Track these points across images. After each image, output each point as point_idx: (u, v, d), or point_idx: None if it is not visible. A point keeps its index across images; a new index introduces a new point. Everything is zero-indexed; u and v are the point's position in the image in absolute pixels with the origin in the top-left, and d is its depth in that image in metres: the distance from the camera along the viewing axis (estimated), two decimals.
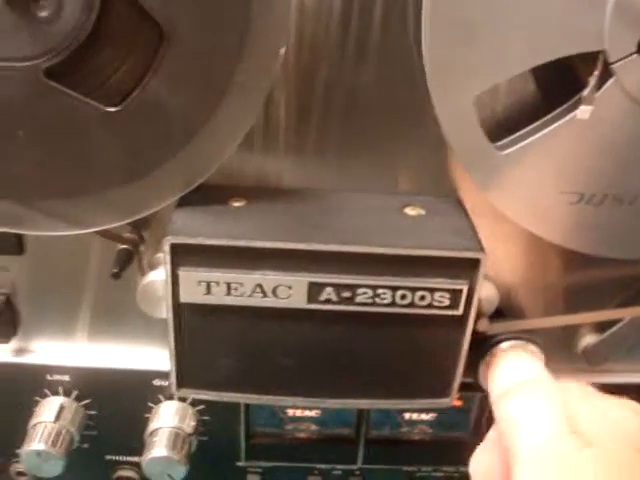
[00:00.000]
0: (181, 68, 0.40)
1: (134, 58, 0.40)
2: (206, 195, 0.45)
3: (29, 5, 0.36)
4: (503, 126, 0.46)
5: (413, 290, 0.44)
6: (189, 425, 0.55)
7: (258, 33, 0.39)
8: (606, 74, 0.41)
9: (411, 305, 0.44)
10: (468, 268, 0.43)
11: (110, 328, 0.55)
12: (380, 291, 0.43)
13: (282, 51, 0.40)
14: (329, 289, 0.43)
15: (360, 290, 0.43)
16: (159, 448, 0.53)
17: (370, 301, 0.44)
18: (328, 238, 0.43)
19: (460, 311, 0.44)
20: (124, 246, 0.49)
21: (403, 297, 0.44)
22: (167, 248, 0.42)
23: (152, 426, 0.55)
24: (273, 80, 0.41)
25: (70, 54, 0.38)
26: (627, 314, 0.53)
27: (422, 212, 0.47)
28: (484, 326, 0.48)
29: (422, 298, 0.44)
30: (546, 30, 0.39)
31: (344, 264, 0.43)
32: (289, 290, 0.43)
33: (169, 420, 0.55)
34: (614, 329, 0.54)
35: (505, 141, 0.44)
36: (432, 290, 0.44)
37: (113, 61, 0.40)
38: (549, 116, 0.43)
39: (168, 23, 0.38)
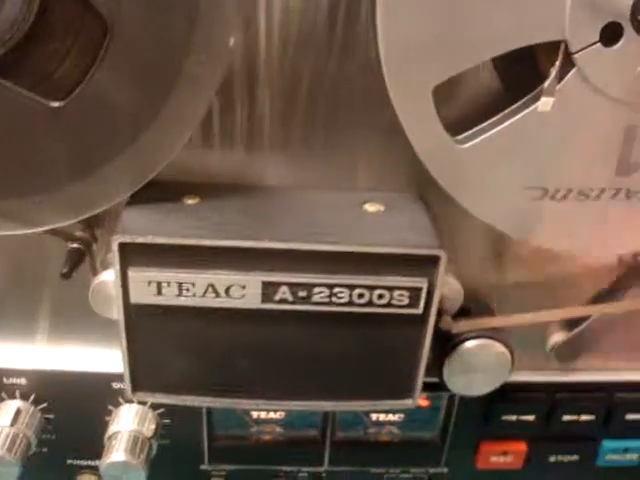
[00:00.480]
0: (127, 61, 0.38)
1: (78, 51, 0.39)
2: (159, 192, 0.44)
3: None
4: (465, 120, 0.44)
5: (371, 289, 0.42)
6: (149, 428, 0.54)
7: (206, 23, 0.38)
8: (568, 64, 0.40)
9: (369, 304, 0.43)
10: (428, 265, 0.42)
11: (67, 330, 0.54)
12: (337, 290, 0.42)
13: (232, 41, 0.39)
14: (284, 288, 0.42)
15: (316, 289, 0.42)
16: (117, 452, 0.52)
17: (327, 300, 0.42)
18: (283, 236, 0.42)
19: (420, 310, 0.43)
20: (75, 245, 0.47)
21: (361, 296, 0.42)
22: (115, 247, 0.41)
23: (111, 430, 0.54)
24: (224, 72, 0.40)
25: (12, 47, 0.37)
26: (595, 311, 0.52)
27: (381, 208, 0.45)
28: (447, 324, 0.47)
29: (380, 297, 0.42)
30: (505, 19, 0.38)
31: (299, 262, 0.42)
32: (242, 290, 0.42)
33: (128, 423, 0.53)
34: (583, 326, 0.53)
35: (465, 134, 0.42)
36: (391, 288, 0.42)
37: (57, 55, 0.39)
38: (510, 108, 0.42)
39: (112, 15, 0.37)
